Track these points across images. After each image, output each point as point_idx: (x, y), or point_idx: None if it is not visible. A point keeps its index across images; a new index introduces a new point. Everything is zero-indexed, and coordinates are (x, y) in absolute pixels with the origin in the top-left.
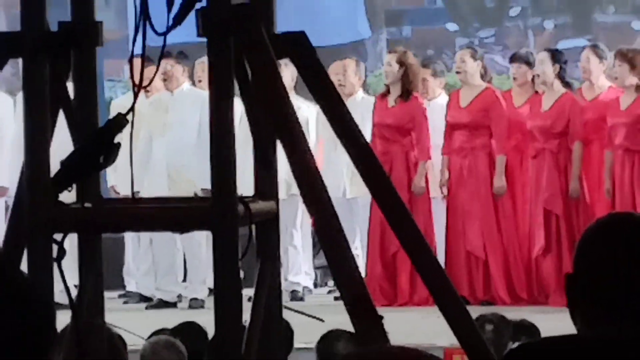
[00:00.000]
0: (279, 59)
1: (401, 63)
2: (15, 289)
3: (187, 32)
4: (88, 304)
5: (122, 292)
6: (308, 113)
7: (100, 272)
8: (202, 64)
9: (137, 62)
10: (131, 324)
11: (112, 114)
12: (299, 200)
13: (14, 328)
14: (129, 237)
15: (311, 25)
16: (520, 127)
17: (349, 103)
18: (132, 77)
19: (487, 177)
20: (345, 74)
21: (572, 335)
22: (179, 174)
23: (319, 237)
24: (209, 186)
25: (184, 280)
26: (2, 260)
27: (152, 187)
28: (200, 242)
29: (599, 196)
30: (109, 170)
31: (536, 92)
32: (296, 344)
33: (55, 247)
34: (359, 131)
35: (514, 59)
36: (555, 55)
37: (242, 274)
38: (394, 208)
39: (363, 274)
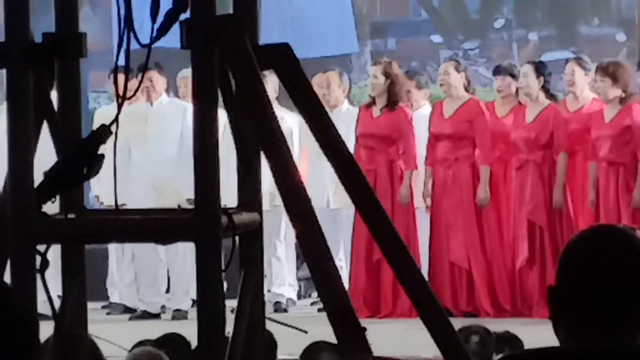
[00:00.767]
0: (262, 70)
1: (387, 74)
2: None
3: (166, 38)
4: (71, 315)
5: (105, 303)
6: (291, 124)
7: (84, 283)
8: (184, 79)
9: (121, 73)
10: (114, 335)
11: (96, 124)
12: (282, 211)
13: None
14: (112, 248)
15: (299, 36)
16: (504, 137)
17: (334, 114)
18: (116, 87)
19: (470, 188)
20: (329, 87)
21: (555, 347)
22: (163, 185)
23: (302, 249)
24: (193, 196)
25: (167, 291)
26: None
27: (136, 199)
28: (184, 253)
29: (583, 208)
30: (93, 180)
31: (519, 102)
32: (279, 356)
33: (38, 258)
34: (342, 142)
35: (498, 71)
36: (539, 68)
37: (225, 285)
38: (377, 219)
39: (346, 286)
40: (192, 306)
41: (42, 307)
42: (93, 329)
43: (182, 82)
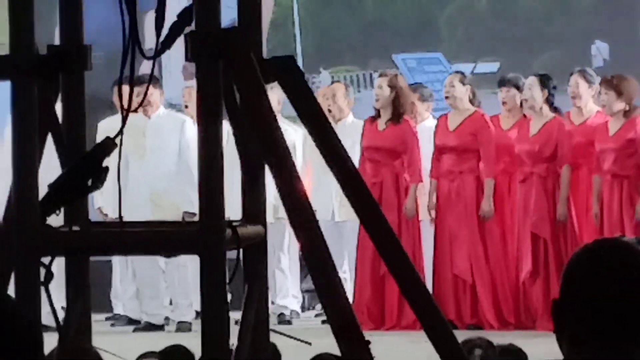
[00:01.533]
0: (267, 83)
1: (392, 86)
2: (2, 312)
3: None
4: (75, 326)
5: (109, 315)
6: (295, 136)
7: (88, 294)
8: (188, 89)
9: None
10: (118, 347)
11: (99, 135)
12: (286, 223)
13: (1, 352)
14: (116, 260)
15: None
16: (508, 150)
17: (339, 127)
18: (120, 100)
19: (475, 201)
20: (334, 99)
21: None
22: (162, 198)
23: (307, 261)
24: (191, 209)
25: (171, 303)
26: None
27: (134, 211)
28: (186, 265)
29: (587, 221)
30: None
31: (524, 115)
32: None
33: (43, 270)
34: (347, 155)
35: (503, 83)
36: (544, 80)
37: (229, 297)
38: (381, 232)
39: (350, 298)
40: (196, 318)
41: (46, 318)
42: (97, 341)
43: (186, 91)
